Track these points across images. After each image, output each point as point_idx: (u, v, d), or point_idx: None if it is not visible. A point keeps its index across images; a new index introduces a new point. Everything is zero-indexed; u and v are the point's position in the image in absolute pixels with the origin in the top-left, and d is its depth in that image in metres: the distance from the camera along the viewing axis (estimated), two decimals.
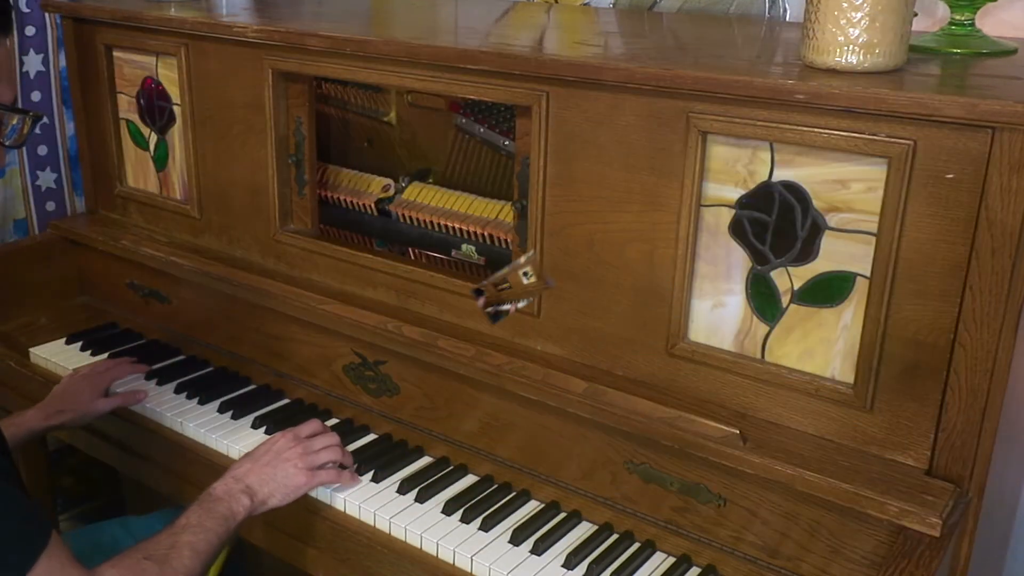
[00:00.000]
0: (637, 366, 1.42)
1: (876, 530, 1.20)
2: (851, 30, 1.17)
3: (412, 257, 1.76)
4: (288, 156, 1.78)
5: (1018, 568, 1.71)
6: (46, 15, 2.31)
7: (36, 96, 2.36)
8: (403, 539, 1.43)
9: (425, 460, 1.60)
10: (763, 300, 1.30)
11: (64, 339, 1.99)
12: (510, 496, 1.50)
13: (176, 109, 1.92)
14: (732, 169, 1.27)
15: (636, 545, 1.40)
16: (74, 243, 2.12)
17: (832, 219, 1.21)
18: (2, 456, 1.14)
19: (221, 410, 1.73)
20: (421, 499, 1.49)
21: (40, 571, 1.09)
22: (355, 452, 1.60)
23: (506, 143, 1.65)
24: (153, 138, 2.00)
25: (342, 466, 1.52)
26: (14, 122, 1.17)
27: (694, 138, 1.27)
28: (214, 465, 1.60)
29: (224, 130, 1.84)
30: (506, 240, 1.61)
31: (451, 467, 1.57)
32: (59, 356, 1.93)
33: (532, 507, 1.49)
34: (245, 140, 1.81)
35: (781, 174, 1.24)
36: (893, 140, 1.13)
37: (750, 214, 1.27)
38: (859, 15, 1.16)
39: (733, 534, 1.32)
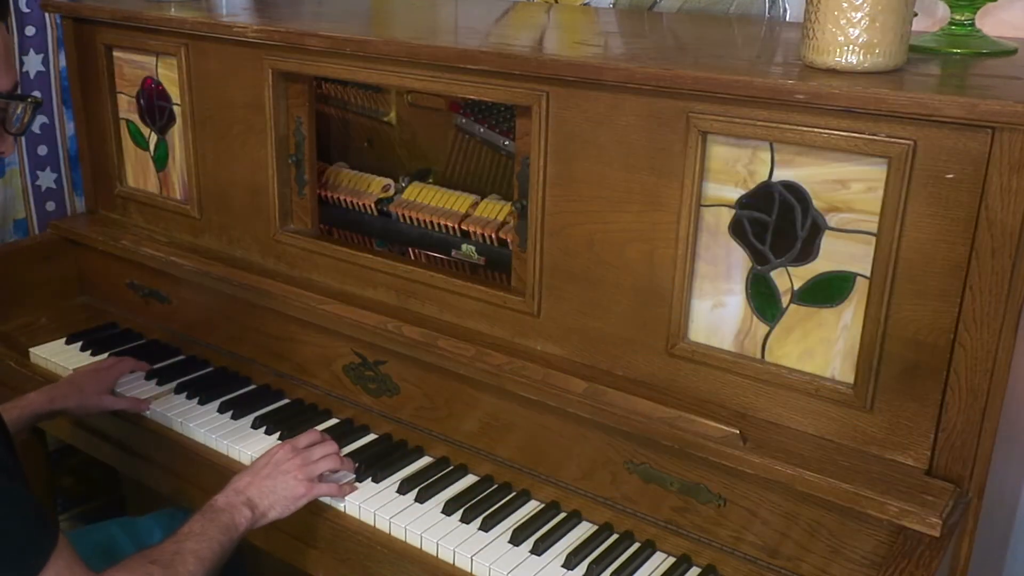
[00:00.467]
0: (637, 366, 1.42)
1: (876, 530, 1.20)
2: (851, 30, 1.17)
3: (412, 257, 1.76)
4: (288, 156, 1.78)
5: (1018, 568, 1.71)
6: (46, 15, 2.30)
7: (36, 96, 2.36)
8: (403, 539, 1.43)
9: (425, 460, 1.60)
10: (763, 300, 1.30)
11: (64, 339, 1.99)
12: (510, 496, 1.50)
13: (176, 109, 1.92)
14: (732, 169, 1.27)
15: (636, 545, 1.40)
16: (74, 243, 2.12)
17: (832, 219, 1.21)
18: (8, 455, 1.14)
19: (221, 410, 1.73)
20: (421, 499, 1.49)
21: (49, 574, 1.10)
22: (355, 452, 1.61)
23: (506, 143, 1.65)
24: (153, 138, 2.00)
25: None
26: (18, 111, 1.17)
27: (694, 138, 1.27)
28: (214, 465, 1.61)
29: (224, 130, 1.84)
30: (506, 240, 1.61)
31: (451, 467, 1.57)
32: (59, 356, 1.93)
33: (532, 507, 1.49)
34: (245, 140, 1.81)
35: (781, 174, 1.24)
36: (893, 140, 1.13)
37: (750, 214, 1.27)
38: (859, 15, 1.16)
39: (733, 534, 1.32)
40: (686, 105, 1.27)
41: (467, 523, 1.44)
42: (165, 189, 2.02)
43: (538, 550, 1.39)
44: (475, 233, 1.66)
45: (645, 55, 1.43)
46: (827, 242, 1.23)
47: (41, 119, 2.37)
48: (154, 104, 1.96)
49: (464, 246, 1.68)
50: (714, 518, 1.33)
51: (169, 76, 1.91)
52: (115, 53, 2.00)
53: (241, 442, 1.63)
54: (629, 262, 1.38)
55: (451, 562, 1.39)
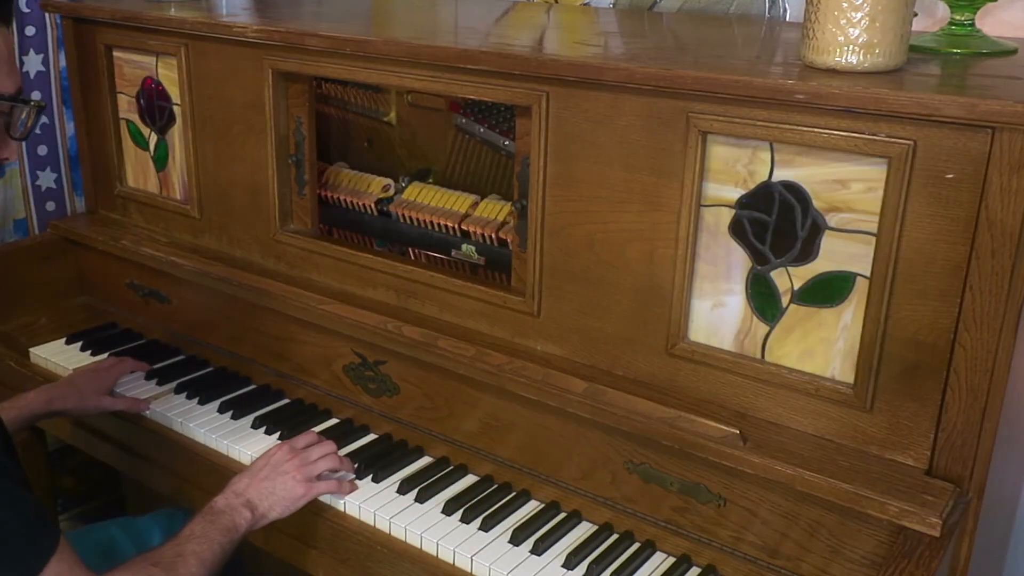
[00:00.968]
0: (637, 366, 1.42)
1: (876, 530, 1.20)
2: (851, 30, 1.17)
3: (412, 257, 1.76)
4: (288, 156, 1.78)
5: (1018, 568, 1.71)
6: (46, 15, 2.30)
7: (36, 96, 2.36)
8: (403, 539, 1.43)
9: (425, 460, 1.60)
10: (763, 300, 1.30)
11: (64, 339, 1.99)
12: (510, 496, 1.50)
13: (176, 109, 1.92)
14: (732, 169, 1.27)
15: (636, 545, 1.40)
16: (74, 243, 2.12)
17: (832, 219, 1.21)
18: (8, 456, 1.14)
19: (221, 410, 1.73)
20: (421, 499, 1.49)
21: (49, 575, 1.10)
22: (355, 452, 1.61)
23: (506, 143, 1.65)
24: (153, 138, 2.00)
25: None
26: (22, 115, 1.17)
27: (694, 138, 1.27)
28: (214, 465, 1.61)
29: (224, 130, 1.84)
30: (506, 240, 1.61)
31: (451, 467, 1.57)
32: (59, 356, 1.93)
33: (532, 507, 1.49)
34: (245, 140, 1.81)
35: (781, 174, 1.24)
36: (893, 140, 1.13)
37: (750, 214, 1.27)
38: (859, 15, 1.16)
39: (733, 534, 1.32)
40: (686, 105, 1.27)
41: (467, 523, 1.44)
42: (165, 189, 2.02)
43: (538, 550, 1.39)
44: (475, 233, 1.66)
45: (645, 55, 1.43)
46: (827, 242, 1.23)
47: (41, 119, 2.37)
48: (154, 104, 1.96)
49: (464, 246, 1.68)
50: (714, 518, 1.33)
51: (169, 76, 1.91)
52: (115, 53, 2.00)
53: (241, 442, 1.63)
54: (629, 262, 1.38)
55: (451, 562, 1.39)
